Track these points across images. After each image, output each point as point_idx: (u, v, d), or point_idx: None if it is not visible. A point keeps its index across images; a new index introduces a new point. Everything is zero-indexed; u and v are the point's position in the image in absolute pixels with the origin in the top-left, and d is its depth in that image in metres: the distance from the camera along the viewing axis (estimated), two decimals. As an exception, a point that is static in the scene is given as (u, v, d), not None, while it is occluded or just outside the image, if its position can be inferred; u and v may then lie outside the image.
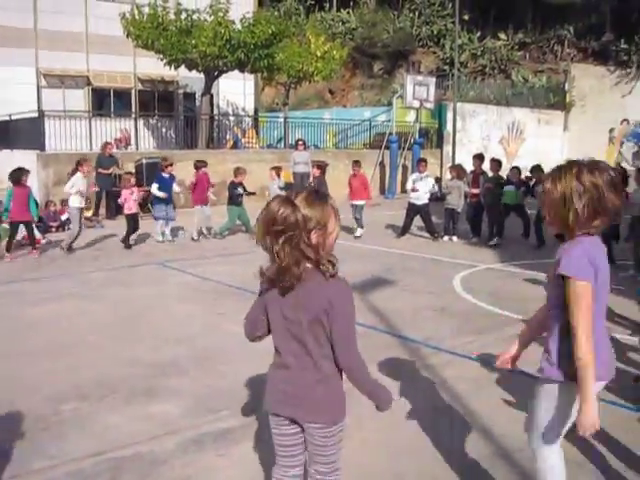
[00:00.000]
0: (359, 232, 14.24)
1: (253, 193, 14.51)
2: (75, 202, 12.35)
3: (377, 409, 2.89)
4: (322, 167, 14.90)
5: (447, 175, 16.21)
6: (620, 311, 7.88)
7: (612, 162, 29.78)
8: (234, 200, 13.94)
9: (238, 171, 14.17)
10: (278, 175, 14.86)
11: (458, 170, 14.27)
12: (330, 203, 2.71)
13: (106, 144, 16.91)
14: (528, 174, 14.22)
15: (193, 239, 13.70)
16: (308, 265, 2.61)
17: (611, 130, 30.84)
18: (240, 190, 13.95)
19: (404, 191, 15.80)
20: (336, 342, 2.69)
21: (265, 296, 2.78)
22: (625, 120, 30.51)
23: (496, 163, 13.80)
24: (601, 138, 30.73)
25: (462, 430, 4.77)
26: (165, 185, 13.42)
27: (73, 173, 12.77)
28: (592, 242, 2.90)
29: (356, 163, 14.60)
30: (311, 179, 17.77)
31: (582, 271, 2.79)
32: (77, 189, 12.27)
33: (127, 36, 20.43)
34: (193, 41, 19.83)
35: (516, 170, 13.71)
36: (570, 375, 2.89)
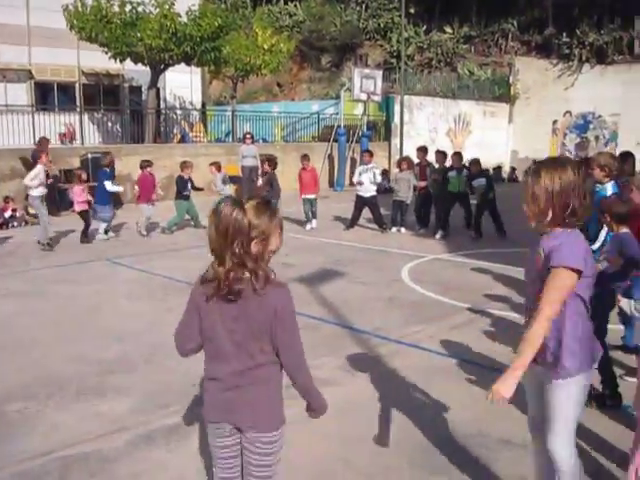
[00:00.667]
0: (314, 223, 14.39)
1: (201, 189, 14.42)
2: (37, 192, 12.08)
3: (311, 413, 2.94)
4: (273, 162, 14.88)
5: (395, 168, 16.35)
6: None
7: (555, 153, 30.46)
8: (182, 194, 13.84)
9: (185, 165, 14.05)
10: (218, 170, 14.75)
11: (408, 162, 14.44)
12: (278, 217, 2.72)
13: (41, 140, 16.32)
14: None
15: (142, 235, 13.52)
16: (246, 274, 2.59)
17: (554, 122, 31.48)
18: (188, 185, 13.87)
19: (353, 184, 15.87)
20: (283, 349, 2.70)
21: (200, 306, 2.70)
22: (568, 112, 31.16)
23: (441, 155, 14.03)
24: (545, 130, 31.36)
25: (411, 418, 4.85)
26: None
27: (33, 166, 12.50)
28: (580, 235, 3.01)
29: (305, 157, 14.69)
30: (260, 172, 17.75)
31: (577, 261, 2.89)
32: (39, 181, 12.01)
33: (70, 29, 20.01)
34: (138, 34, 19.54)
35: (457, 156, 13.92)
36: (583, 365, 3.01)
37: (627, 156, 8.69)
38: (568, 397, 3.03)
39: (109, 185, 13.03)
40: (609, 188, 6.97)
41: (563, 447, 3.08)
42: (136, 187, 13.81)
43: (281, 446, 2.83)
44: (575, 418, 3.10)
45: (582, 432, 4.52)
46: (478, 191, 13.16)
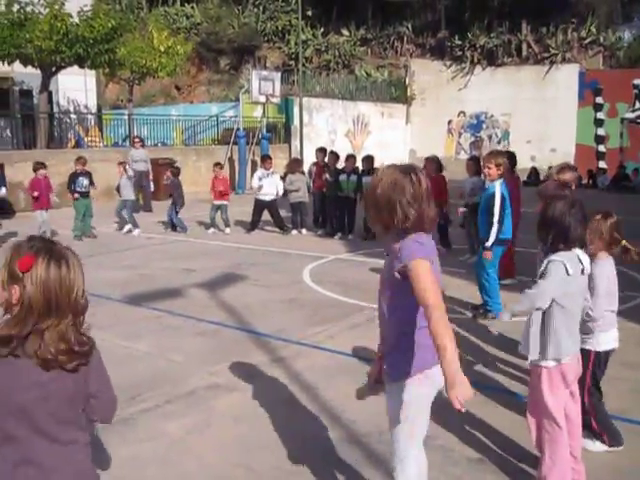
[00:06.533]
0: (228, 230, 14.25)
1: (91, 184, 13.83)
2: None
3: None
4: (176, 169, 14.74)
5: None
6: (460, 292, 8.38)
7: (452, 152, 31.43)
8: (75, 191, 13.36)
9: (77, 160, 13.59)
10: (125, 169, 14.40)
11: (296, 163, 14.64)
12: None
13: None
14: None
15: None
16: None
17: (449, 122, 32.45)
18: (85, 181, 13.38)
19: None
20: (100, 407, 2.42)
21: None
22: (462, 112, 32.20)
23: (334, 156, 14.14)
24: (441, 130, 32.31)
25: (314, 420, 4.88)
26: None
27: None
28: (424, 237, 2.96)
29: (217, 165, 14.54)
30: (152, 177, 17.53)
31: (422, 252, 2.82)
32: None
33: (-48, 29, 19.11)
34: (27, 35, 18.85)
35: (351, 159, 13.87)
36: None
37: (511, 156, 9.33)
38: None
39: None
40: (498, 185, 7.31)
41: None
42: (36, 193, 12.91)
43: None
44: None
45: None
46: (365, 189, 13.27)
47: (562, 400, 3.74)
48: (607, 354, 4.29)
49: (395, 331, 3.05)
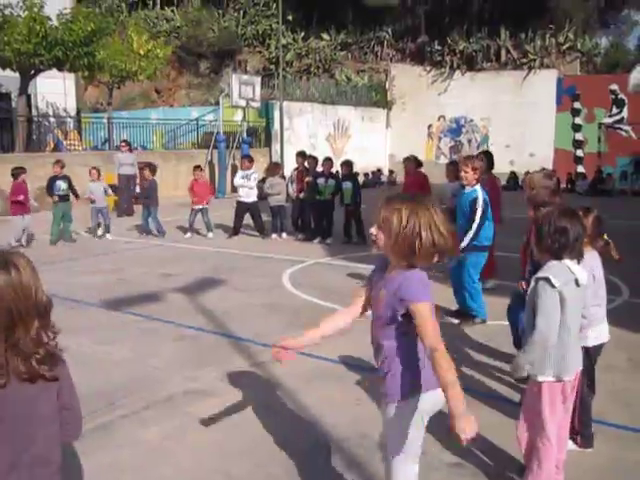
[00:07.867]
0: (211, 235, 14.20)
1: (75, 193, 13.71)
2: None
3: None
4: (152, 168, 14.66)
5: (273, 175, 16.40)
6: (437, 296, 8.39)
7: (432, 157, 31.57)
8: (53, 194, 13.21)
9: (57, 164, 13.45)
10: (98, 176, 14.17)
11: (276, 167, 14.75)
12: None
13: None
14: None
15: (10, 245, 12.82)
16: None
17: (429, 126, 32.60)
18: (63, 184, 13.20)
19: (234, 190, 15.80)
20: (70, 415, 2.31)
21: None
22: (442, 117, 32.38)
23: (314, 161, 14.14)
24: (421, 134, 32.44)
25: (293, 425, 4.87)
26: None
27: None
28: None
29: (197, 168, 14.55)
30: (138, 181, 17.43)
31: (427, 295, 2.86)
32: None
33: None
34: (5, 38, 18.72)
35: (329, 162, 13.81)
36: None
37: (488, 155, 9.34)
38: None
39: None
40: (479, 189, 7.33)
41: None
42: (21, 197, 12.64)
43: None
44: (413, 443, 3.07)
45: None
46: (345, 194, 13.36)
47: (558, 417, 3.67)
48: (597, 349, 4.28)
49: (390, 354, 2.98)
